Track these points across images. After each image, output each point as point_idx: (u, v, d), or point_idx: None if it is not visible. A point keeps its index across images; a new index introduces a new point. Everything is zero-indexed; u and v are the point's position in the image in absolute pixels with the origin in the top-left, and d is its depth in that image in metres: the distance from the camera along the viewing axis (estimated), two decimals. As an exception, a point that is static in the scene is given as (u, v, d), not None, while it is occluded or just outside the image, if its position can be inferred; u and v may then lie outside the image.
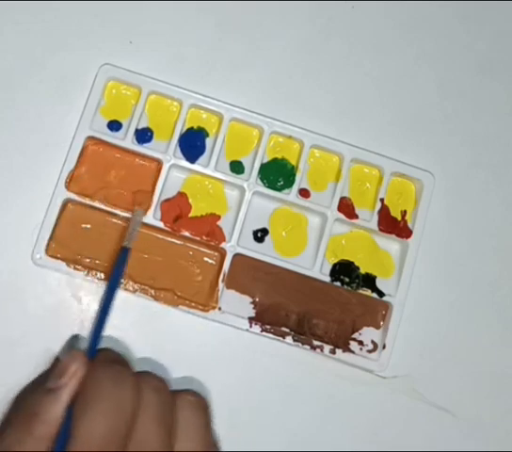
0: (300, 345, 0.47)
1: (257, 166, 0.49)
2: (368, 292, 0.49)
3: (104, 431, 0.35)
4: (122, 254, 0.44)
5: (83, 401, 0.36)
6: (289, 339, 0.47)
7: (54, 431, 0.36)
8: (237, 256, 0.47)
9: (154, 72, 0.49)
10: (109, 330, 0.46)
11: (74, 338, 0.46)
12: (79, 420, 0.35)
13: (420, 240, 0.49)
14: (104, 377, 0.37)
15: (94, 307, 0.47)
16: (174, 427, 0.37)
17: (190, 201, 0.49)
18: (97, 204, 0.47)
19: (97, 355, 0.40)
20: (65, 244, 0.46)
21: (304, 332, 0.48)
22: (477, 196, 0.52)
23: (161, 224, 0.47)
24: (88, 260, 0.47)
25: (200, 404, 0.39)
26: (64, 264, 0.46)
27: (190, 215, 0.48)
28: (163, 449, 0.36)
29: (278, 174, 0.49)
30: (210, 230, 0.48)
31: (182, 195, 0.49)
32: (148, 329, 0.47)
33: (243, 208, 0.48)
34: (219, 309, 0.47)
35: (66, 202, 0.47)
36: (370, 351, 0.48)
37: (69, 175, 0.47)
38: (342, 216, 0.49)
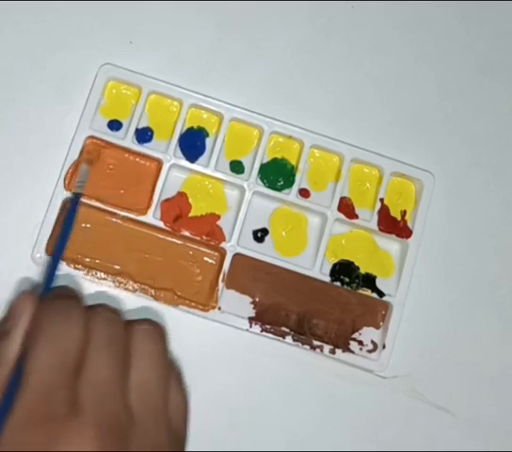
0: (300, 345, 0.47)
1: (257, 166, 0.49)
2: (368, 292, 0.49)
3: (51, 362, 0.34)
4: (75, 199, 0.45)
5: (32, 337, 0.36)
6: (289, 339, 0.47)
7: (6, 371, 0.35)
8: (237, 256, 0.47)
9: (154, 71, 0.49)
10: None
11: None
12: (28, 356, 0.35)
13: (420, 240, 0.49)
14: (51, 311, 0.36)
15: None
16: (128, 355, 0.37)
17: (190, 200, 0.49)
18: (97, 204, 0.47)
19: (50, 292, 0.40)
20: (65, 244, 0.47)
21: (304, 332, 0.48)
22: (477, 196, 0.52)
23: (161, 224, 0.47)
24: (87, 259, 0.47)
25: (155, 332, 0.39)
26: (64, 263, 0.46)
27: (190, 215, 0.48)
28: (114, 376, 0.35)
29: (278, 174, 0.49)
30: (210, 230, 0.48)
31: (182, 195, 0.49)
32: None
33: (243, 208, 0.48)
34: (219, 309, 0.47)
35: (66, 202, 0.47)
36: (370, 351, 0.48)
37: (69, 175, 0.47)
38: (342, 216, 0.49)
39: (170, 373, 0.38)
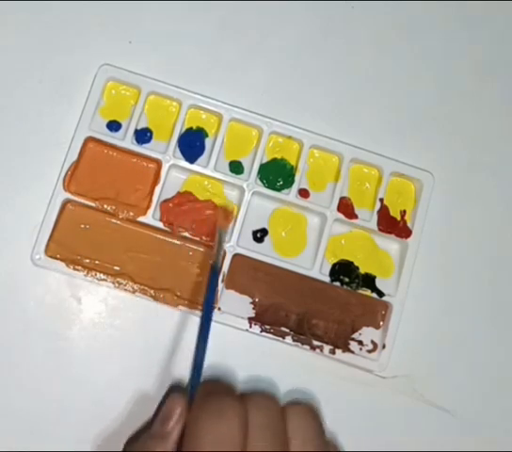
0: (300, 345, 0.47)
1: (256, 166, 0.49)
2: (368, 292, 0.49)
3: None
4: (212, 276, 0.44)
5: (188, 442, 0.36)
6: (289, 339, 0.47)
7: None
8: (237, 256, 0.47)
9: (154, 72, 0.49)
10: (109, 329, 0.47)
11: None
12: None
13: (419, 240, 0.49)
14: (204, 413, 0.37)
15: (93, 307, 0.47)
16: (287, 441, 0.37)
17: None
18: (96, 205, 0.47)
19: (197, 391, 0.40)
20: (64, 244, 0.47)
21: (304, 333, 0.48)
22: (476, 196, 0.52)
23: (161, 224, 0.47)
24: (87, 260, 0.47)
25: (310, 413, 0.39)
26: (63, 264, 0.46)
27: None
28: None
29: (277, 174, 0.49)
30: (210, 231, 0.48)
31: (183, 194, 0.49)
32: (148, 329, 0.47)
33: (242, 208, 0.48)
34: (219, 309, 0.47)
35: (65, 203, 0.47)
36: (370, 351, 0.48)
37: (68, 176, 0.47)
38: (341, 216, 0.49)
39: (329, 446, 0.39)
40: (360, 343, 0.49)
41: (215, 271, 0.45)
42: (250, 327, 0.47)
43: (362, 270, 0.49)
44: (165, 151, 0.48)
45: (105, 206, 0.47)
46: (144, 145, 0.48)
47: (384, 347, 0.48)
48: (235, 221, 0.48)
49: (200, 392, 0.39)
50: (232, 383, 0.42)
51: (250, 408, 0.37)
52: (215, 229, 0.47)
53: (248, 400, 0.38)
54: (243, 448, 0.35)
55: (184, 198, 0.49)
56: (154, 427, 0.39)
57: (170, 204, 0.48)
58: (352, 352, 0.48)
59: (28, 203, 0.47)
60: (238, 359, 0.47)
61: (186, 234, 0.48)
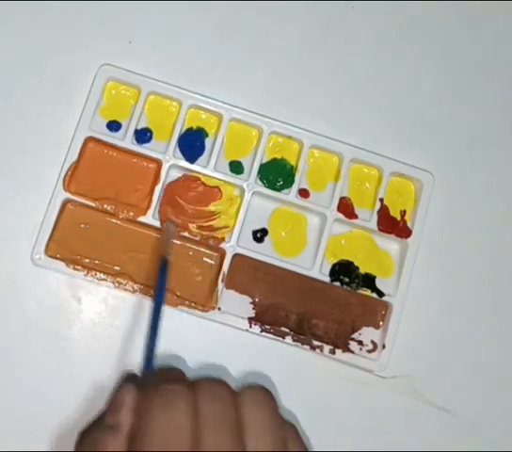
0: (300, 345, 0.47)
1: (256, 166, 0.49)
2: (368, 292, 0.49)
3: None
4: (162, 266, 0.44)
5: (139, 435, 0.35)
6: (289, 339, 0.47)
7: None
8: (237, 256, 0.47)
9: (154, 72, 0.49)
10: (108, 329, 0.47)
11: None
12: None
13: (419, 240, 0.49)
14: (154, 403, 0.36)
15: (93, 307, 0.47)
16: (241, 428, 0.36)
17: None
18: (96, 205, 0.47)
19: (147, 380, 0.39)
20: (64, 244, 0.47)
21: (304, 333, 0.48)
22: (476, 196, 0.52)
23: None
24: (87, 260, 0.47)
25: (263, 396, 0.38)
26: (63, 264, 0.46)
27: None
28: None
29: (277, 174, 0.49)
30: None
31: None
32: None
33: (242, 208, 0.48)
34: (219, 309, 0.47)
35: (65, 203, 0.47)
36: (370, 351, 0.48)
37: (68, 176, 0.47)
38: (341, 216, 0.49)
39: (286, 434, 0.37)
40: (360, 343, 0.49)
41: (165, 263, 0.44)
42: (250, 327, 0.47)
43: (362, 270, 0.49)
44: (165, 151, 0.48)
45: (105, 206, 0.47)
46: (144, 145, 0.48)
47: (384, 347, 0.48)
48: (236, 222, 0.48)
49: (150, 380, 0.38)
50: (185, 370, 0.42)
51: (200, 394, 0.36)
52: (163, 222, 0.47)
53: (197, 387, 0.37)
54: (194, 438, 0.35)
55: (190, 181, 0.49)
56: (106, 418, 0.37)
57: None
58: (352, 352, 0.48)
59: (28, 203, 0.47)
60: (238, 359, 0.47)
61: (186, 235, 0.48)
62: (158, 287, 0.43)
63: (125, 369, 0.46)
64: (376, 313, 0.49)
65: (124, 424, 0.36)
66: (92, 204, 0.47)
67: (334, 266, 0.49)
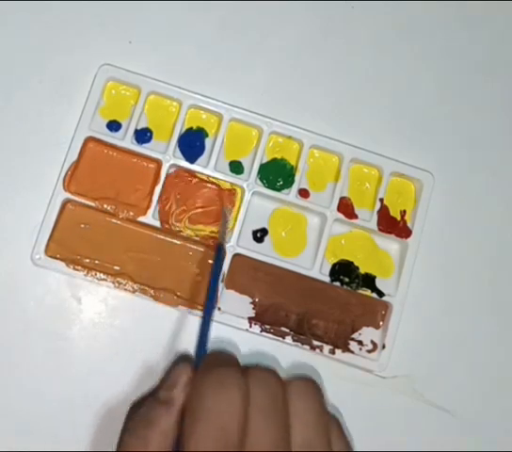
0: (300, 345, 0.47)
1: (256, 166, 0.49)
2: (368, 292, 0.49)
3: (214, 439, 0.35)
4: (218, 252, 0.45)
5: (191, 412, 0.36)
6: (289, 339, 0.47)
7: (168, 441, 0.37)
8: (237, 256, 0.47)
9: (154, 72, 0.49)
10: (109, 329, 0.47)
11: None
12: (189, 433, 0.35)
13: (419, 240, 0.49)
14: (207, 385, 0.37)
15: (93, 307, 0.47)
16: (288, 415, 0.37)
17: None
18: (96, 205, 0.47)
19: (202, 361, 0.40)
20: (64, 244, 0.47)
21: (304, 333, 0.48)
22: (476, 196, 0.52)
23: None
24: (87, 260, 0.47)
25: (311, 388, 0.39)
26: (64, 264, 0.46)
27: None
28: (278, 439, 0.36)
29: (277, 174, 0.49)
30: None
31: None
32: (148, 329, 0.47)
33: (242, 208, 0.48)
34: (219, 309, 0.47)
35: (65, 203, 0.47)
36: (370, 351, 0.48)
37: (68, 175, 0.47)
38: (341, 216, 0.49)
39: (331, 427, 0.38)
40: (360, 343, 0.49)
41: (220, 250, 0.46)
42: (250, 327, 0.47)
43: (362, 270, 0.49)
44: (165, 151, 0.48)
45: (105, 206, 0.47)
46: (144, 145, 0.48)
47: (384, 347, 0.48)
48: (234, 221, 0.48)
49: (204, 363, 0.39)
50: (236, 356, 0.42)
51: (252, 381, 0.37)
52: (221, 209, 0.48)
53: (249, 373, 0.38)
54: (243, 420, 0.35)
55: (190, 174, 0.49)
56: (160, 393, 0.39)
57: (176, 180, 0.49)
58: (352, 352, 0.48)
59: (28, 203, 0.47)
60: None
61: (186, 234, 0.48)
62: (214, 273, 0.45)
63: (126, 369, 0.46)
64: (376, 313, 0.49)
65: (178, 400, 0.38)
66: (92, 204, 0.47)
67: (334, 266, 0.49)
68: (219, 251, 0.46)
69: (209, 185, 0.49)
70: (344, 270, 0.49)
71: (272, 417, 0.36)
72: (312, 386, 0.39)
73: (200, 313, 0.47)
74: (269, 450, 0.35)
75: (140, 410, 0.39)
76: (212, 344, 0.46)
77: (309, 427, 0.37)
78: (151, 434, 0.37)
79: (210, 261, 0.48)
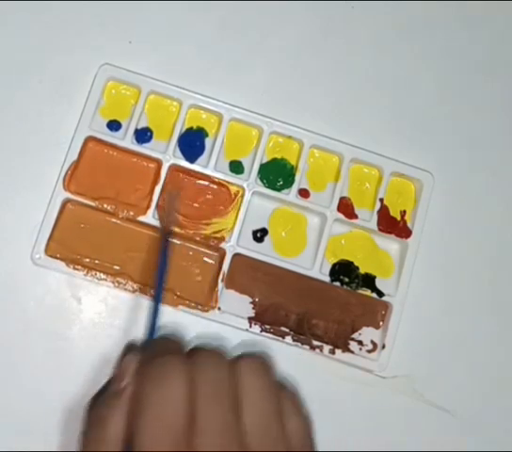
0: (300, 345, 0.47)
1: (256, 166, 0.49)
2: (368, 292, 0.49)
3: (159, 431, 0.34)
4: (165, 239, 0.45)
5: (136, 409, 0.36)
6: (289, 339, 0.47)
7: (121, 433, 0.36)
8: (237, 256, 0.47)
9: (154, 72, 0.49)
10: (108, 329, 0.47)
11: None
12: (135, 432, 0.35)
13: (419, 240, 0.49)
14: (149, 376, 0.36)
15: (93, 307, 0.47)
16: (238, 396, 0.36)
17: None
18: (96, 204, 0.47)
19: (148, 349, 0.39)
20: (64, 244, 0.47)
21: (304, 332, 0.48)
22: (476, 196, 0.52)
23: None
24: (87, 260, 0.47)
25: (259, 364, 0.38)
26: (63, 264, 0.46)
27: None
28: (228, 423, 0.35)
29: (277, 174, 0.49)
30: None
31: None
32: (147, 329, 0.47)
33: (242, 208, 0.48)
34: (219, 309, 0.47)
35: (65, 202, 0.47)
36: (369, 351, 0.48)
37: (68, 175, 0.47)
38: (341, 216, 0.49)
39: (284, 403, 0.37)
40: (360, 343, 0.49)
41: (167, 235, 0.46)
42: (250, 326, 0.47)
43: (362, 270, 0.49)
44: (165, 150, 0.48)
45: (105, 206, 0.47)
46: (144, 145, 0.48)
47: (384, 347, 0.48)
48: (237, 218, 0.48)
49: (148, 351, 0.39)
50: (181, 341, 0.42)
51: (196, 366, 0.36)
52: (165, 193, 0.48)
53: (194, 358, 0.37)
54: (189, 408, 0.35)
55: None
56: (111, 385, 0.38)
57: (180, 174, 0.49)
58: (352, 352, 0.48)
59: (28, 203, 0.47)
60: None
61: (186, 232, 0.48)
62: (161, 259, 0.44)
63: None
64: (376, 313, 0.49)
65: (127, 391, 0.37)
66: (92, 204, 0.47)
67: (334, 265, 0.49)
68: (167, 238, 0.46)
69: (209, 184, 0.49)
70: (343, 270, 0.49)
71: (219, 402, 0.35)
72: (259, 362, 0.38)
73: (200, 313, 0.47)
74: (219, 436, 0.34)
75: (95, 402, 0.39)
76: (212, 341, 0.47)
77: (259, 407, 0.36)
78: (103, 435, 0.36)
79: (210, 261, 0.48)
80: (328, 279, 0.48)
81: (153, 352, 0.38)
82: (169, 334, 0.44)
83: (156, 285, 0.43)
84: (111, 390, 0.38)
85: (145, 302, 0.47)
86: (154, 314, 0.42)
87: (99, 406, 0.38)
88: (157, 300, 0.43)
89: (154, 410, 0.35)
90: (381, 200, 0.49)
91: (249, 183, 0.48)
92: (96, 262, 0.47)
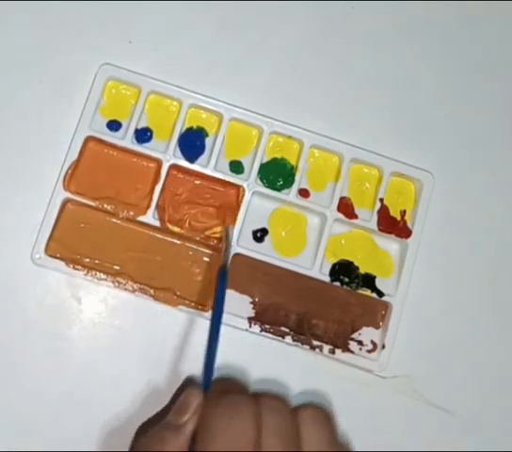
0: (300, 345, 0.47)
1: (256, 166, 0.49)
2: (368, 292, 0.49)
3: None
4: (222, 277, 0.44)
5: (203, 438, 0.37)
6: (288, 339, 0.47)
7: None
8: (237, 256, 0.47)
9: (154, 71, 0.49)
10: (108, 329, 0.47)
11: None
12: None
13: (419, 240, 0.49)
14: (220, 410, 0.37)
15: (93, 307, 0.47)
16: (299, 443, 0.37)
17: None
18: (96, 204, 0.47)
19: (212, 387, 0.40)
20: (64, 244, 0.47)
21: (303, 332, 0.48)
22: (476, 196, 0.52)
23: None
24: (87, 260, 0.47)
25: (321, 416, 0.39)
26: (63, 263, 0.46)
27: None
28: None
29: (277, 174, 0.49)
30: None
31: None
32: (147, 328, 0.47)
33: (242, 208, 0.48)
34: (219, 309, 0.47)
35: (65, 202, 0.47)
36: (369, 351, 0.48)
37: (68, 175, 0.47)
38: (341, 216, 0.49)
39: None
40: (360, 343, 0.49)
41: (224, 271, 0.45)
42: (250, 326, 0.47)
43: (362, 270, 0.49)
44: (165, 150, 0.48)
45: (105, 206, 0.47)
46: (144, 144, 0.48)
47: (384, 347, 0.48)
48: (236, 221, 0.48)
49: (215, 389, 0.40)
50: (246, 383, 0.42)
51: (263, 408, 0.37)
52: (224, 226, 0.48)
53: (260, 401, 0.38)
54: (256, 448, 0.36)
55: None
56: (169, 418, 0.39)
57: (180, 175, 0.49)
58: (352, 352, 0.48)
59: (28, 203, 0.47)
60: (238, 358, 0.47)
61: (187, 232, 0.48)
62: (218, 298, 0.43)
63: (126, 369, 0.46)
64: (376, 313, 0.49)
65: (188, 425, 0.38)
66: (92, 204, 0.47)
67: (334, 265, 0.49)
68: (224, 274, 0.45)
69: (210, 185, 0.49)
70: (343, 270, 0.49)
71: (284, 441, 0.36)
72: (322, 414, 0.39)
73: (200, 312, 0.46)
74: None
75: (150, 432, 0.39)
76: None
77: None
78: (165, 447, 0.37)
79: (210, 260, 0.48)
80: (327, 279, 0.48)
81: (221, 390, 0.39)
82: (231, 376, 0.44)
83: (214, 323, 0.43)
84: (170, 422, 0.39)
85: (145, 302, 0.47)
86: (213, 351, 0.42)
87: (154, 437, 0.39)
88: (215, 338, 0.42)
89: (225, 442, 0.36)
90: (381, 200, 0.49)
91: (249, 183, 0.48)
92: (96, 262, 0.47)
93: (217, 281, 0.44)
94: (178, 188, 0.48)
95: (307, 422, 0.38)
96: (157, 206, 0.47)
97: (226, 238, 0.47)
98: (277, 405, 0.38)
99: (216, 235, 0.48)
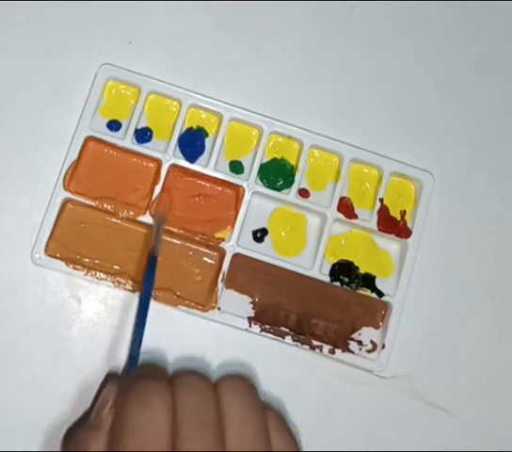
0: (300, 345, 0.47)
1: (256, 166, 0.49)
2: (367, 292, 0.49)
3: None
4: (151, 263, 0.44)
5: (114, 434, 0.35)
6: (288, 339, 0.47)
7: None
8: (237, 256, 0.47)
9: (154, 71, 0.49)
10: (108, 329, 0.47)
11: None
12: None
13: (419, 240, 0.49)
14: (127, 401, 0.36)
15: (93, 307, 0.47)
16: (221, 417, 0.36)
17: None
18: (96, 204, 0.47)
19: (128, 376, 0.39)
20: (64, 244, 0.47)
21: (303, 332, 0.48)
22: (476, 196, 0.52)
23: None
24: (87, 260, 0.47)
25: (242, 385, 0.38)
26: (63, 263, 0.46)
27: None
28: (210, 447, 0.34)
29: (277, 174, 0.49)
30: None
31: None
32: (147, 328, 0.47)
33: (242, 208, 0.48)
34: (219, 309, 0.47)
35: (65, 202, 0.47)
36: (369, 351, 0.48)
37: (68, 175, 0.47)
38: (341, 216, 0.49)
39: (269, 423, 0.37)
40: (360, 343, 0.49)
41: (153, 257, 0.45)
42: (250, 326, 0.47)
43: (362, 270, 0.49)
44: (165, 150, 0.48)
45: (105, 205, 0.47)
46: (144, 144, 0.48)
47: (384, 347, 0.48)
48: (236, 221, 0.48)
49: (128, 379, 0.38)
50: (164, 366, 0.41)
51: (177, 389, 0.36)
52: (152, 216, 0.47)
53: (175, 381, 0.37)
54: (172, 433, 0.34)
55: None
56: (91, 416, 0.38)
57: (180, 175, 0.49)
58: (352, 352, 0.48)
59: (28, 203, 0.47)
60: (237, 358, 0.47)
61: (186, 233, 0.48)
62: (145, 284, 0.43)
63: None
64: (376, 313, 0.49)
65: (106, 423, 0.36)
66: (92, 204, 0.47)
67: (334, 265, 0.49)
68: (153, 261, 0.45)
69: (210, 185, 0.49)
70: (343, 270, 0.49)
71: (202, 424, 0.35)
72: (242, 383, 0.38)
73: (199, 312, 0.46)
74: None
75: (71, 435, 0.38)
76: (212, 343, 0.47)
77: (243, 428, 0.36)
78: (88, 448, 0.36)
79: (210, 260, 0.48)
80: (327, 279, 0.48)
81: (132, 380, 0.37)
82: (150, 361, 0.43)
83: (141, 310, 0.42)
84: (90, 421, 0.37)
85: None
86: (136, 342, 0.41)
87: (76, 438, 0.37)
88: (141, 326, 0.42)
89: (136, 435, 0.34)
90: (381, 200, 0.49)
91: (249, 183, 0.48)
92: (96, 261, 0.47)
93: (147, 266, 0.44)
94: (178, 188, 0.48)
95: (226, 393, 0.37)
96: (157, 206, 0.47)
97: (157, 226, 0.46)
98: (192, 382, 0.37)
99: (217, 235, 0.48)
